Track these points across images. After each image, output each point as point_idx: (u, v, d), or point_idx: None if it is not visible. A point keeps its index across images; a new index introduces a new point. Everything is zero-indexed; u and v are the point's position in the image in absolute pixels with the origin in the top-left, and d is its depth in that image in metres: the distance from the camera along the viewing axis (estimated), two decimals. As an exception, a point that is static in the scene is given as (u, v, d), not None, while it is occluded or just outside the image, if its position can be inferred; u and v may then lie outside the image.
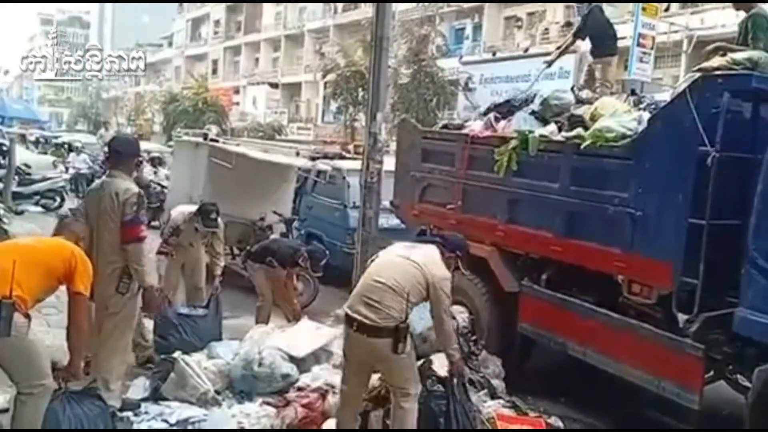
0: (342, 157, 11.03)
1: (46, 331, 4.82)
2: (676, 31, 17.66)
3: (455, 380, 4.13)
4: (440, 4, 23.09)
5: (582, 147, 4.75)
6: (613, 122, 4.67)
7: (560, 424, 4.79)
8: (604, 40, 6.60)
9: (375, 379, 4.22)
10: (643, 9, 16.83)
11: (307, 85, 33.24)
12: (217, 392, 4.60)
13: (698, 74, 4.37)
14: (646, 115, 4.63)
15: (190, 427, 4.25)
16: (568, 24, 20.16)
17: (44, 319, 5.08)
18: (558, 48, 7.16)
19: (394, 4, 7.32)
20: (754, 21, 4.78)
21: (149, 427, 4.23)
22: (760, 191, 3.90)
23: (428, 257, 3.95)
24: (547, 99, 5.48)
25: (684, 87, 4.29)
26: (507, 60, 21.86)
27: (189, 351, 4.93)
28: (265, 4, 38.56)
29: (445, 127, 6.72)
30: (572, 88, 5.93)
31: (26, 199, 13.51)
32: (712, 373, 4.56)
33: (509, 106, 5.80)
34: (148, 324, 5.38)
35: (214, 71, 42.67)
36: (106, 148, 6.75)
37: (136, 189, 4.31)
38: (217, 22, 43.91)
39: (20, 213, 12.31)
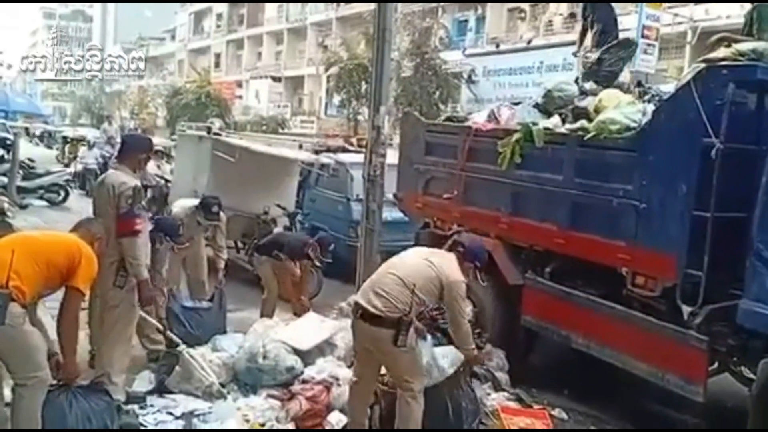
0: (345, 151, 11.02)
1: (51, 325, 4.83)
2: (680, 23, 17.54)
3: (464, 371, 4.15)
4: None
5: (586, 139, 4.74)
6: (618, 114, 4.66)
7: (564, 416, 4.82)
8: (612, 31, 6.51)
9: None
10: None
11: (310, 79, 33.14)
12: (222, 385, 4.62)
13: (703, 65, 4.33)
14: (651, 107, 4.62)
15: (195, 420, 4.28)
16: (572, 15, 20.08)
17: (50, 313, 5.09)
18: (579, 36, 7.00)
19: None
20: (759, 12, 4.76)
21: (155, 420, 4.25)
22: (764, 183, 3.88)
23: (445, 260, 4.02)
24: (551, 91, 5.46)
25: (688, 78, 4.25)
26: (510, 52, 21.86)
27: (194, 344, 4.95)
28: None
29: (448, 119, 6.71)
30: (576, 80, 5.90)
31: (30, 193, 13.60)
32: (716, 365, 4.56)
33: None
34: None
35: (217, 65, 42.57)
36: (112, 142, 6.75)
37: (132, 182, 4.28)
38: (219, 16, 43.78)
39: (24, 207, 12.40)
